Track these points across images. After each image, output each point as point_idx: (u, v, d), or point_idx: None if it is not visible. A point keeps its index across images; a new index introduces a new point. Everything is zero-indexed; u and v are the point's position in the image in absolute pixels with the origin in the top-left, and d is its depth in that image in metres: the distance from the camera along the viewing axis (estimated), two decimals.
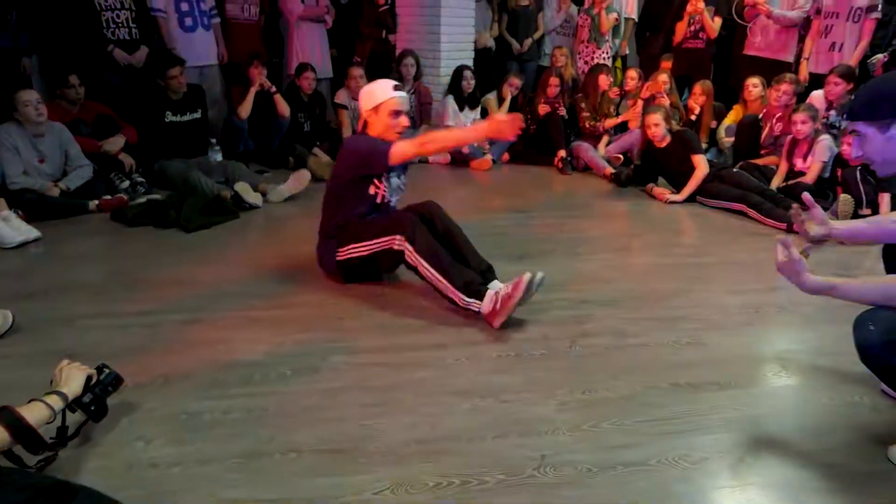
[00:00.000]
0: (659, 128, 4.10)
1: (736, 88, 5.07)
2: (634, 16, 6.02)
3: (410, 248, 2.34)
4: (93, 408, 1.61)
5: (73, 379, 1.54)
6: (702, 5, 5.21)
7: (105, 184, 3.75)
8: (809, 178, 3.85)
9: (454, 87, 5.06)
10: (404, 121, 2.52)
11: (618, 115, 5.18)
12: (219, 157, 4.09)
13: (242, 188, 3.70)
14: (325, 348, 2.15)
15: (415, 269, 2.37)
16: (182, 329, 2.27)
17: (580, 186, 4.59)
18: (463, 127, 2.53)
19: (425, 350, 2.15)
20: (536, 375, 2.01)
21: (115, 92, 4.35)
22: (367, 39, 5.43)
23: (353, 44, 5.53)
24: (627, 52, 6.19)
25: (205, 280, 2.71)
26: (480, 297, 2.28)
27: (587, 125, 5.16)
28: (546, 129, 5.07)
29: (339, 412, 1.79)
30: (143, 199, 3.60)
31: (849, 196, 3.40)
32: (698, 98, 5.04)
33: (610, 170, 4.64)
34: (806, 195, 1.76)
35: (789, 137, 4.04)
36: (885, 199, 3.52)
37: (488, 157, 4.96)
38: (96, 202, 3.54)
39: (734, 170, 4.13)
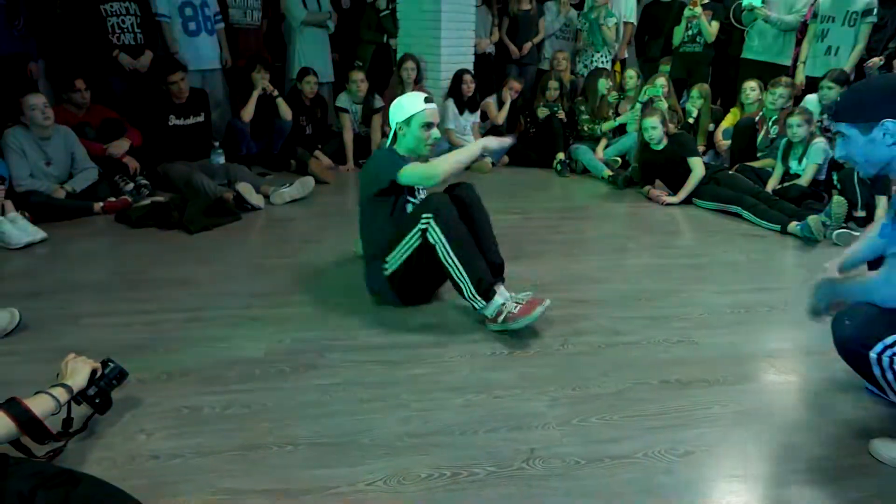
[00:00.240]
0: (656, 131, 4.15)
1: (734, 92, 5.12)
2: (634, 20, 6.06)
3: (434, 225, 2.25)
4: (97, 400, 1.67)
5: (78, 372, 1.59)
6: (699, 9, 5.25)
7: (110, 186, 3.81)
8: (804, 181, 3.89)
9: (454, 90, 5.12)
10: (436, 133, 2.47)
11: (616, 117, 5.23)
12: (221, 159, 4.15)
13: (245, 188, 3.77)
14: (323, 346, 2.21)
15: (433, 248, 2.26)
16: (184, 327, 2.33)
17: (578, 189, 4.64)
18: (460, 149, 2.48)
19: (421, 347, 2.20)
20: (529, 372, 2.06)
21: (120, 96, 4.42)
22: (369, 44, 5.49)
23: (355, 48, 5.59)
24: (627, 55, 6.24)
25: (206, 280, 2.77)
26: (488, 297, 2.24)
27: (586, 128, 5.22)
28: (545, 132, 5.12)
29: (335, 407, 1.85)
30: (146, 201, 3.67)
31: (842, 198, 3.44)
32: (696, 101, 5.09)
33: (608, 172, 4.69)
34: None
35: (785, 140, 4.08)
36: (881, 201, 3.56)
37: (488, 159, 4.98)
38: (101, 204, 3.60)
39: (730, 172, 4.17)
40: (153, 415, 1.80)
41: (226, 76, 4.95)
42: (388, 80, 5.27)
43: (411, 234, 2.31)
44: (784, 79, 4.47)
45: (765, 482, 1.60)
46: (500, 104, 5.33)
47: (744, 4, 5.12)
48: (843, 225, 3.43)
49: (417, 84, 5.08)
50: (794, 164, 4.03)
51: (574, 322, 2.43)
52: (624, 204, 4.25)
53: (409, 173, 2.36)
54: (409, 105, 2.45)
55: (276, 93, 4.58)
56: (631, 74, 5.33)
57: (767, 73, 4.92)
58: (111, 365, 1.74)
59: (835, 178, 3.71)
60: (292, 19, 5.20)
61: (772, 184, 4.04)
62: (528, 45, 5.72)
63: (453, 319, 2.42)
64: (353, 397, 1.89)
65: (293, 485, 1.54)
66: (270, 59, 5.14)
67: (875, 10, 4.59)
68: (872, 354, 1.49)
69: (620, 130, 5.32)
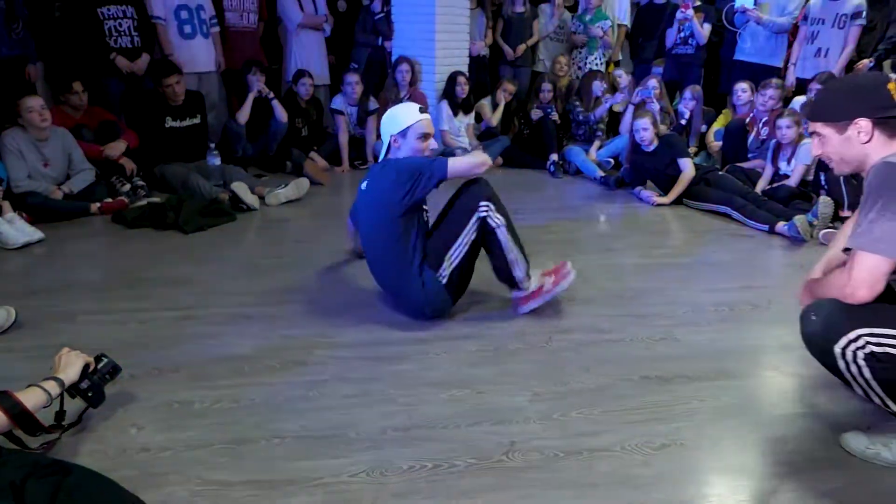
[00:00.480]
0: (647, 132, 4.19)
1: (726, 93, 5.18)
2: (627, 22, 6.12)
3: (494, 208, 2.30)
4: (90, 394, 1.71)
5: (71, 365, 1.64)
6: (691, 12, 5.31)
7: (107, 187, 3.86)
8: (793, 181, 3.93)
9: (448, 92, 5.17)
10: (433, 143, 2.45)
11: (608, 114, 5.29)
12: (217, 161, 4.20)
13: (240, 188, 3.82)
14: (311, 343, 2.25)
15: (494, 232, 2.31)
16: (177, 325, 2.38)
17: (571, 189, 4.69)
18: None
19: (407, 344, 2.25)
20: (512, 368, 2.11)
21: (117, 98, 4.47)
22: (363, 46, 5.55)
23: (350, 51, 5.64)
24: (620, 57, 6.29)
25: (200, 279, 2.82)
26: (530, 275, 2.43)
27: (581, 117, 5.24)
28: (539, 133, 5.17)
29: (322, 402, 1.89)
30: (143, 202, 3.72)
31: (829, 198, 3.49)
32: (688, 102, 5.14)
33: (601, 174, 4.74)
34: None
35: (774, 141, 4.13)
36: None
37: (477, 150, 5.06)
38: (98, 205, 3.65)
39: (720, 173, 4.22)
40: (145, 409, 1.85)
41: (222, 78, 5.00)
42: (383, 83, 5.32)
43: (468, 227, 2.32)
44: (774, 80, 4.51)
45: (738, 474, 1.64)
46: (494, 106, 5.38)
47: (736, 6, 5.18)
48: (830, 225, 3.47)
49: (412, 86, 5.14)
50: (783, 165, 4.07)
51: (560, 320, 2.47)
52: (615, 204, 4.30)
53: (457, 165, 2.31)
54: (404, 116, 2.41)
55: (271, 95, 4.63)
56: (621, 74, 5.38)
57: (760, 75, 4.97)
58: (105, 360, 1.78)
59: (822, 178, 3.76)
60: (288, 22, 5.25)
61: (761, 184, 4.09)
62: (522, 47, 5.77)
63: (440, 316, 2.46)
64: (339, 392, 1.94)
65: (279, 476, 1.58)
66: (266, 62, 5.19)
67: (864, 13, 4.64)
68: (837, 349, 1.53)
69: (614, 131, 5.38)
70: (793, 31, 5.22)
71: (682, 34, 5.49)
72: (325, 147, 5.05)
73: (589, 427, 1.79)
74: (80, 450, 1.65)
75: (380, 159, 2.52)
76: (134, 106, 4.42)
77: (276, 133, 4.71)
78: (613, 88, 5.43)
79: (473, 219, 2.31)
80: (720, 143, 4.85)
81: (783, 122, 3.99)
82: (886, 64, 4.81)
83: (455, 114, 5.21)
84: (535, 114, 5.17)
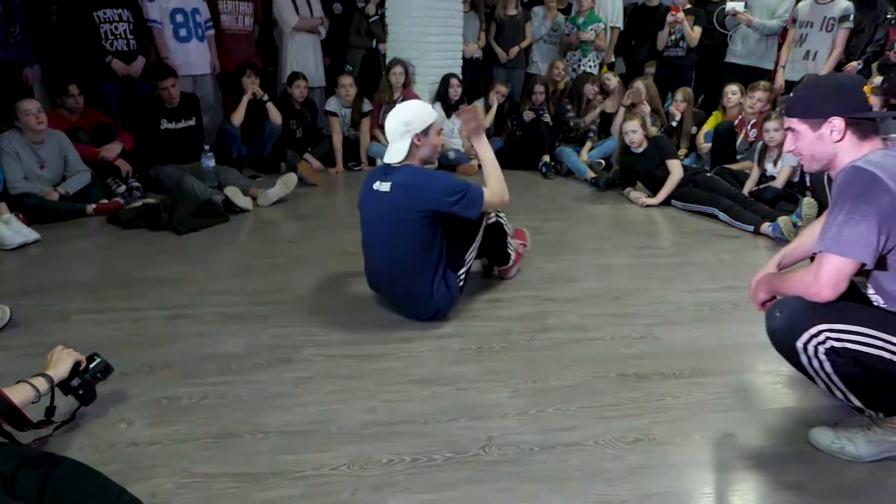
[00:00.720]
0: (636, 134, 4.25)
1: (717, 95, 5.23)
2: (621, 24, 6.17)
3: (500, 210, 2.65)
4: (81, 392, 1.77)
5: (61, 363, 1.70)
6: (682, 15, 5.36)
7: (102, 188, 3.92)
8: (778, 183, 3.98)
9: (441, 94, 5.23)
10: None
11: (600, 117, 5.35)
12: (212, 162, 4.26)
13: (232, 192, 3.87)
14: (299, 341, 2.31)
15: (499, 226, 2.68)
16: (167, 324, 2.44)
17: (562, 190, 4.74)
18: (483, 157, 2.60)
19: (392, 343, 2.30)
20: (494, 366, 2.16)
21: (113, 101, 4.53)
22: (358, 48, 5.60)
23: (345, 53, 5.70)
24: (613, 59, 6.34)
25: (192, 279, 2.88)
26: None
27: (571, 123, 5.31)
28: (531, 134, 5.23)
29: (306, 398, 1.95)
30: (138, 203, 3.78)
31: (813, 199, 3.54)
32: (679, 105, 5.20)
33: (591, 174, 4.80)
34: None
35: (761, 143, 4.18)
36: None
37: (474, 162, 5.12)
38: (93, 206, 3.71)
39: (708, 174, 4.27)
40: (134, 405, 1.90)
41: (217, 81, 5.06)
42: (377, 85, 5.38)
43: (481, 231, 2.56)
44: (762, 83, 4.56)
45: (707, 467, 1.70)
46: (487, 108, 5.43)
47: (727, 9, 5.23)
48: None
49: (406, 88, 5.19)
50: (769, 167, 4.13)
51: (543, 319, 2.53)
52: (605, 205, 4.35)
53: (489, 200, 2.42)
54: (427, 114, 2.41)
55: (265, 97, 4.69)
56: (610, 77, 5.44)
57: (751, 77, 5.02)
58: (97, 360, 1.83)
59: (807, 180, 3.81)
60: (284, 25, 5.31)
61: (748, 186, 4.14)
62: (514, 50, 5.82)
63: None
64: (324, 389, 2.00)
65: (262, 469, 1.64)
66: (262, 64, 5.25)
67: (851, 16, 4.69)
68: (799, 344, 1.59)
69: (605, 132, 5.43)
70: (783, 34, 5.27)
71: (673, 37, 5.55)
72: (320, 148, 5.11)
73: (565, 422, 1.85)
74: (70, 444, 1.70)
75: (385, 162, 2.45)
76: (129, 108, 4.47)
77: (270, 135, 4.77)
78: (605, 91, 5.49)
79: (485, 223, 2.55)
80: (710, 144, 4.90)
81: (770, 124, 4.03)
82: (874, 66, 4.86)
83: (448, 115, 5.26)
84: (528, 115, 5.22)
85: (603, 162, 5.15)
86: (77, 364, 1.76)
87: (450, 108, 5.25)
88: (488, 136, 5.37)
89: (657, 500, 1.56)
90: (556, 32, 5.97)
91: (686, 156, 5.09)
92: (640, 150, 4.29)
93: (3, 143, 3.56)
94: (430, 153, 2.46)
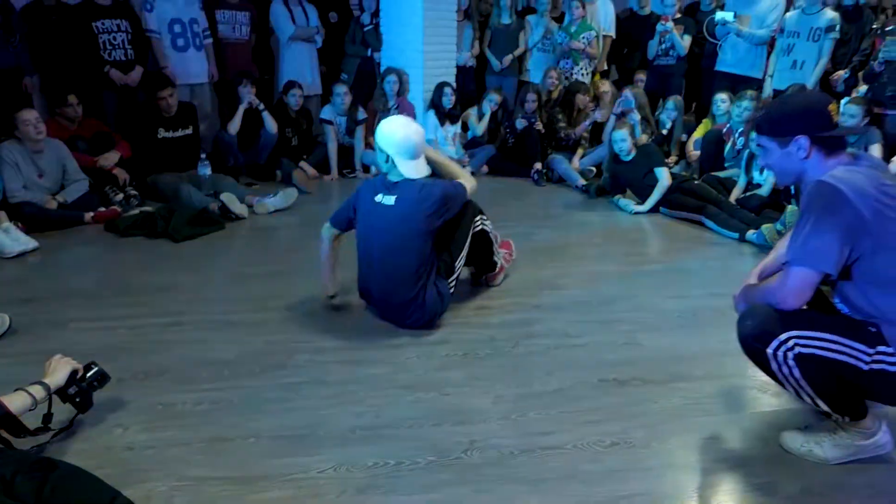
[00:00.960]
0: (625, 143, 4.33)
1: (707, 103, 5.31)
2: (613, 33, 6.24)
3: (485, 217, 2.76)
4: (77, 399, 1.83)
5: (58, 371, 1.76)
6: (671, 24, 5.45)
7: (100, 196, 3.99)
8: (764, 191, 4.06)
9: (435, 102, 5.30)
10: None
11: (592, 125, 5.43)
12: (208, 170, 4.32)
13: (228, 198, 3.94)
14: (292, 347, 2.38)
15: (486, 234, 2.76)
16: (164, 331, 2.50)
17: (553, 198, 4.80)
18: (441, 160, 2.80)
19: (382, 349, 2.37)
20: (479, 372, 2.23)
21: (112, 110, 4.60)
22: (353, 57, 5.68)
23: (340, 61, 5.78)
24: (606, 67, 6.42)
25: (188, 286, 2.94)
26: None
27: (562, 134, 5.39)
28: (523, 142, 5.30)
29: (296, 403, 2.02)
30: (135, 211, 3.84)
31: (796, 207, 3.61)
32: (670, 113, 5.27)
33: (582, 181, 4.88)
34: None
35: (748, 151, 4.26)
36: None
37: (467, 169, 5.18)
38: (91, 214, 3.77)
39: (696, 182, 4.35)
40: (130, 411, 1.97)
41: (214, 89, 5.13)
42: (372, 93, 5.45)
43: (468, 239, 2.65)
44: (749, 92, 4.64)
45: (681, 470, 1.77)
46: (481, 115, 5.51)
47: (716, 19, 5.32)
48: None
49: (400, 96, 5.27)
50: (756, 175, 4.20)
51: (529, 325, 2.60)
52: (595, 213, 4.42)
53: (471, 189, 2.68)
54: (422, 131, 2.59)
55: (261, 106, 4.76)
56: (601, 83, 5.51)
57: (740, 86, 5.10)
58: (94, 368, 1.89)
59: (791, 188, 3.88)
60: (280, 34, 5.38)
61: (735, 193, 4.21)
62: (508, 58, 5.90)
63: None
64: (314, 394, 2.07)
65: (252, 472, 1.71)
66: (259, 73, 5.32)
67: (837, 27, 4.78)
68: (769, 350, 1.65)
69: (597, 140, 5.51)
70: (772, 43, 5.35)
71: (663, 45, 5.63)
72: (315, 155, 5.17)
73: (545, 427, 1.92)
74: (67, 448, 1.77)
75: (406, 177, 2.49)
76: (127, 117, 4.54)
77: (266, 143, 4.84)
78: (597, 98, 5.56)
79: (472, 230, 2.66)
80: (699, 152, 4.98)
81: None
82: (860, 75, 4.93)
83: (442, 123, 5.34)
84: (520, 123, 5.30)
85: (594, 169, 5.22)
86: (74, 372, 1.82)
87: (444, 116, 5.33)
88: (481, 144, 5.50)
89: (631, 501, 1.63)
90: (550, 41, 6.05)
91: (676, 163, 5.17)
92: (629, 158, 4.37)
93: (3, 153, 3.63)
94: None
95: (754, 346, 1.69)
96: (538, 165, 5.15)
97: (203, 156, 4.37)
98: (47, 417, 1.74)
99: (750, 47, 5.33)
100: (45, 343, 2.34)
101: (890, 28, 4.43)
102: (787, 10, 5.18)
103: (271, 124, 4.79)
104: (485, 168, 5.36)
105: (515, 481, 1.69)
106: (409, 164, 2.49)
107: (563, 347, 2.43)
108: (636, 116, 4.93)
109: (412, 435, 1.86)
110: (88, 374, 1.87)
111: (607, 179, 4.65)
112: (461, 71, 5.74)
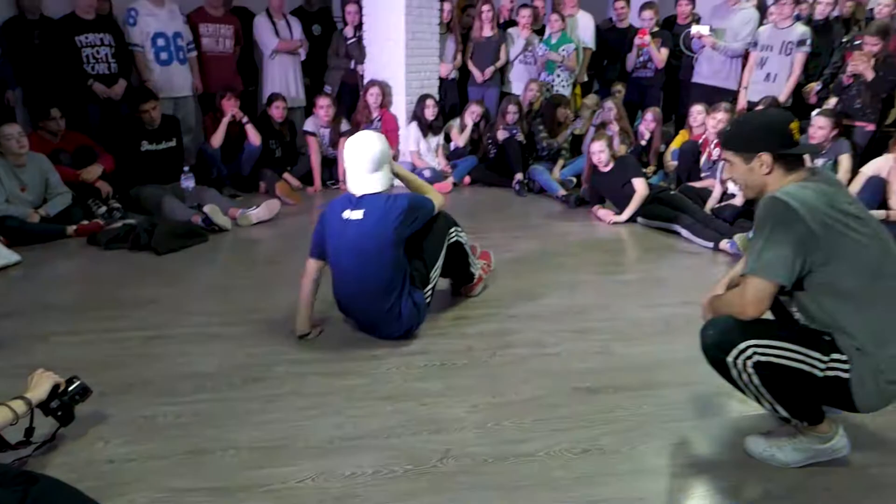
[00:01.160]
0: (603, 154, 4.42)
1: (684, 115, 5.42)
2: (592, 45, 6.36)
3: (459, 229, 2.81)
4: (59, 413, 1.86)
5: (40, 385, 1.79)
6: (649, 38, 5.57)
7: (83, 210, 4.00)
8: (738, 201, 4.16)
9: (418, 114, 5.38)
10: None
11: (572, 136, 5.53)
12: (191, 183, 4.36)
13: (212, 209, 3.97)
14: (272, 360, 2.42)
15: (461, 246, 2.81)
16: (146, 344, 2.53)
17: (534, 208, 4.89)
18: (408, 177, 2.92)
19: (360, 360, 2.42)
20: (456, 382, 2.28)
21: (94, 123, 4.62)
22: (336, 70, 5.74)
23: (323, 74, 5.83)
24: (586, 78, 6.53)
25: (171, 299, 2.97)
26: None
27: (544, 143, 5.48)
28: (505, 153, 5.39)
29: (276, 415, 2.06)
30: (118, 224, 3.86)
31: None
32: (648, 124, 5.38)
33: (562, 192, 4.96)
34: None
35: (723, 162, 4.35)
36: None
37: (450, 180, 5.27)
38: (74, 227, 3.79)
39: (672, 192, 4.44)
40: (112, 424, 2.00)
41: (198, 102, 5.17)
42: (355, 105, 5.51)
43: (443, 250, 2.69)
44: (724, 104, 4.75)
45: (649, 475, 1.83)
46: (463, 127, 5.59)
47: (692, 33, 5.45)
48: None
49: (383, 108, 5.34)
50: (730, 185, 4.30)
51: (505, 335, 2.66)
52: (574, 223, 4.49)
53: (439, 204, 2.73)
54: (386, 145, 2.62)
55: (245, 119, 4.80)
56: (591, 98, 5.62)
57: (716, 97, 5.21)
58: (76, 382, 1.92)
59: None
60: (264, 48, 5.44)
61: (710, 203, 4.32)
62: (490, 70, 5.98)
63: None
64: (293, 406, 2.11)
65: (232, 483, 1.74)
66: (242, 86, 5.37)
67: (808, 41, 4.91)
68: (729, 359, 1.73)
69: (577, 150, 5.60)
70: (747, 56, 5.48)
71: (640, 58, 5.75)
72: (299, 167, 5.22)
73: (519, 435, 1.97)
74: (49, 462, 1.80)
75: (364, 192, 2.55)
76: (111, 130, 4.57)
77: (249, 155, 4.89)
78: (577, 111, 5.66)
79: (447, 242, 2.69)
80: (676, 162, 5.09)
81: None
82: (831, 88, 5.07)
83: (425, 135, 5.42)
84: (501, 134, 5.38)
85: (574, 179, 5.31)
86: (56, 386, 1.85)
87: (426, 128, 5.40)
88: (464, 155, 5.58)
89: None
90: (530, 52, 6.15)
91: (654, 173, 5.27)
92: (607, 169, 4.46)
93: None
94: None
95: (715, 354, 1.76)
96: (520, 176, 5.23)
97: (186, 168, 4.41)
98: (29, 431, 1.77)
99: (725, 60, 5.46)
100: (27, 357, 2.36)
101: (858, 42, 4.57)
102: (760, 24, 5.31)
103: (254, 137, 4.83)
104: (467, 179, 5.44)
105: (489, 488, 1.74)
106: (368, 178, 2.54)
107: (538, 357, 2.49)
108: (615, 128, 5.04)
109: (389, 445, 1.91)
110: (70, 388, 1.89)
111: (586, 189, 4.74)
112: (444, 83, 5.82)
